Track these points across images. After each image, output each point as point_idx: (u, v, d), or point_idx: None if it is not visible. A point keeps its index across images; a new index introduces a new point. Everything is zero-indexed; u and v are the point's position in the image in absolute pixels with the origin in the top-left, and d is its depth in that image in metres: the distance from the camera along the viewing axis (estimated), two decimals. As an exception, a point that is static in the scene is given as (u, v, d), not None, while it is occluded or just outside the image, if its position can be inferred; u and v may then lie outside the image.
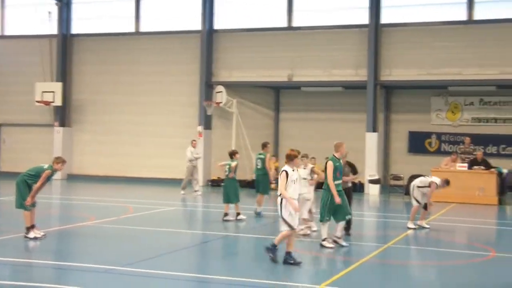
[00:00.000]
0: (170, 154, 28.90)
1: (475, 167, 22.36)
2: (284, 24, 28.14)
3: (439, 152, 27.33)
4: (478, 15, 25.65)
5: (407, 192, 24.19)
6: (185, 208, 20.84)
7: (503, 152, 26.63)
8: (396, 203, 22.91)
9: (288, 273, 10.14)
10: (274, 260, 10.54)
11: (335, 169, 12.13)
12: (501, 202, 21.93)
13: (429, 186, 15.66)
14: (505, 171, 22.69)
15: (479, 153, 23.11)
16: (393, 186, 25.90)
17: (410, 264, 11.43)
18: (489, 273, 10.69)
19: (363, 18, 26.42)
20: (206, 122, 28.53)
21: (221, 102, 27.29)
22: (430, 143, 27.96)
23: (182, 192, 23.34)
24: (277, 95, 30.31)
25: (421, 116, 28.13)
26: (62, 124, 30.57)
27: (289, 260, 10.43)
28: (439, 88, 27.26)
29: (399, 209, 21.49)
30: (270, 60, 27.73)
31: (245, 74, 28.15)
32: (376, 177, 24.10)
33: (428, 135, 27.98)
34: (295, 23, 28.01)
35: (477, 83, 25.56)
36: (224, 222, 15.93)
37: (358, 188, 25.30)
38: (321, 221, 12.20)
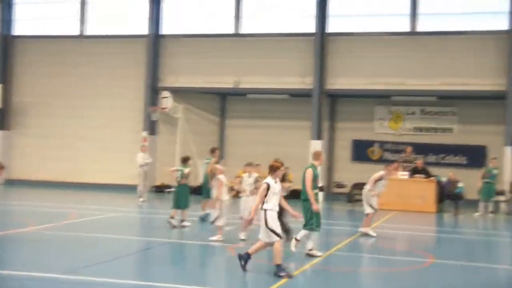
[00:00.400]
0: (114, 159, 28.59)
1: (416, 175, 22.88)
2: (232, 30, 28.23)
3: (381, 160, 27.79)
4: (421, 27, 26.30)
5: (350, 199, 24.66)
6: (129, 214, 20.59)
7: (442, 161, 27.37)
8: (339, 211, 23.22)
9: (231, 280, 10.14)
10: (290, 276, 10.18)
11: (315, 177, 12.17)
12: (439, 210, 22.49)
13: (380, 179, 15.76)
14: (444, 179, 23.27)
15: (419, 162, 23.65)
16: (336, 193, 26.26)
17: (352, 271, 11.58)
18: (427, 279, 10.92)
19: (310, 26, 26.77)
20: (151, 127, 28.34)
21: (166, 108, 27.13)
22: (373, 152, 28.47)
23: (141, 199, 23.00)
24: (224, 101, 30.36)
25: (364, 124, 28.66)
26: (1, 127, 29.83)
27: (281, 273, 10.16)
28: (383, 97, 27.81)
29: (342, 217, 21.80)
30: (217, 66, 27.76)
31: (191, 80, 28.09)
32: (320, 185, 24.31)
33: (371, 143, 28.50)
34: (242, 30, 28.14)
35: (419, 93, 26.20)
36: (168, 229, 15.80)
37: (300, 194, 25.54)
38: (313, 230, 12.16)
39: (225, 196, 13.97)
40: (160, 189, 27.21)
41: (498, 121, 25.85)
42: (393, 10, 26.75)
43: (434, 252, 13.90)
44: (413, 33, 26.37)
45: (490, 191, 21.71)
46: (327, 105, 28.20)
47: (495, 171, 22.03)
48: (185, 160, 16.81)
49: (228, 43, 28.14)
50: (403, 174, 22.90)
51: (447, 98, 27.08)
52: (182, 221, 16.31)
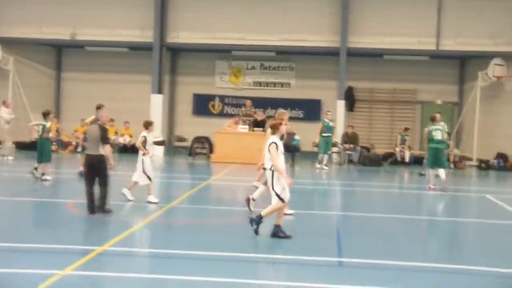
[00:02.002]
0: None
1: (256, 129, 23.42)
2: (67, -21, 26.91)
3: (222, 114, 28.26)
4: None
5: (190, 153, 24.83)
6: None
7: (281, 115, 28.18)
8: (180, 164, 23.30)
9: (72, 236, 9.86)
10: (257, 232, 9.98)
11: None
12: (278, 162, 23.24)
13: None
14: (282, 132, 24.00)
15: (259, 116, 24.18)
16: (177, 147, 26.29)
17: (193, 222, 11.70)
18: (260, 227, 11.30)
19: (150, -22, 26.10)
20: (-21, 80, 26.47)
21: (-5, 59, 25.43)
22: (213, 106, 28.76)
23: (11, 157, 21.67)
24: (59, 54, 29.04)
25: (205, 79, 28.83)
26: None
27: (279, 233, 9.96)
28: (223, 52, 28.02)
29: (183, 170, 21.88)
30: (52, 17, 26.41)
31: (24, 31, 26.46)
32: (161, 138, 24.21)
33: (212, 97, 28.78)
34: (78, -21, 26.92)
35: (258, 48, 26.64)
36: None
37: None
38: None
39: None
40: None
41: (332, 77, 27.09)
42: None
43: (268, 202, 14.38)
44: (253, -12, 26.67)
45: (328, 144, 22.77)
46: (168, 59, 27.94)
47: (331, 124, 23.09)
48: (46, 115, 16.80)
49: (64, -8, 26.75)
50: (243, 128, 23.35)
51: (285, 54, 27.86)
52: (43, 174, 16.29)
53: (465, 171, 23.93)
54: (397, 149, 25.36)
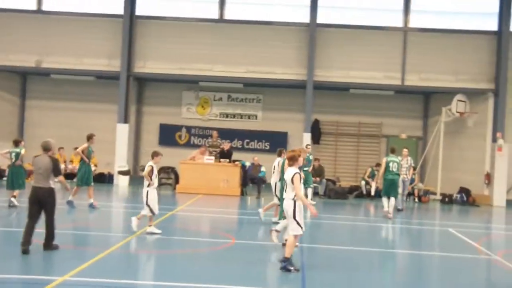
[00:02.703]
0: None
1: (222, 159, 23.38)
2: (34, 7, 26.76)
3: (188, 145, 28.20)
4: (229, 14, 26.83)
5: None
6: None
7: (247, 146, 28.34)
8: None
9: (32, 266, 9.62)
10: (298, 270, 10.03)
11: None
12: (243, 193, 23.23)
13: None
14: (247, 164, 24.06)
15: (227, 145, 24.13)
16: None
17: (155, 253, 11.54)
18: (227, 258, 11.21)
19: (118, 8, 26.06)
20: None
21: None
22: (180, 136, 28.68)
23: None
24: (24, 81, 28.75)
25: (172, 109, 28.79)
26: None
27: (290, 267, 10.04)
28: (191, 82, 28.05)
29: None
30: (18, 44, 26.15)
31: (-11, 57, 26.15)
32: (126, 168, 24.00)
33: (178, 128, 28.72)
34: (46, 7, 26.81)
35: (226, 79, 26.72)
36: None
37: (108, 179, 25.16)
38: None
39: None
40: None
41: (299, 109, 27.29)
42: (202, -4, 27.04)
43: (236, 234, 14.33)
44: (221, 20, 26.83)
45: (309, 177, 22.59)
46: (135, 88, 27.85)
47: (311, 157, 23.05)
48: (17, 142, 17.02)
49: (31, 20, 26.49)
50: (209, 158, 23.28)
51: (253, 86, 28.01)
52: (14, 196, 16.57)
53: (429, 205, 24.14)
54: (363, 182, 25.45)
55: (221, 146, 24.16)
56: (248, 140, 28.55)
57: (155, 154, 13.37)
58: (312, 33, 25.70)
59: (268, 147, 28.42)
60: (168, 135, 28.68)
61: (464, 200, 24.69)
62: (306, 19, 26.07)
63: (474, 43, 25.85)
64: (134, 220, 13.17)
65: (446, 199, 24.73)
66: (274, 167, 15.99)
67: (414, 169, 25.23)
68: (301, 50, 26.03)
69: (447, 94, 25.94)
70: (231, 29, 26.54)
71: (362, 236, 15.45)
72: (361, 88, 26.78)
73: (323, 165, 25.62)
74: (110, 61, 26.05)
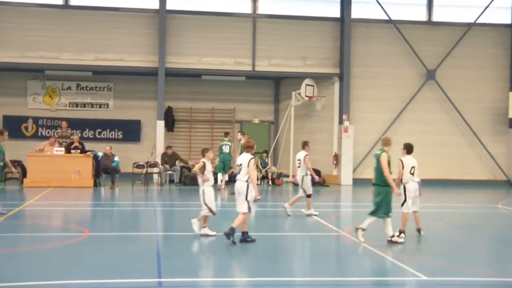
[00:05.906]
0: None
1: (72, 151, 22.58)
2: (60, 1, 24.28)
3: (36, 136, 27.02)
4: (74, 0, 25.88)
5: (1, 178, 23.28)
6: None
7: (99, 136, 27.60)
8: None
9: None
10: (234, 243, 11.22)
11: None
12: (96, 184, 22.62)
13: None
14: (100, 154, 23.41)
15: (75, 137, 23.32)
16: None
17: (9, 251, 10.88)
18: (82, 251, 10.85)
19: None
20: None
21: None
22: (26, 128, 27.37)
23: None
24: None
25: (17, 100, 27.41)
26: None
27: (247, 239, 11.56)
28: (36, 71, 26.81)
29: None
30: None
31: None
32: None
33: (24, 119, 27.41)
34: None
35: (74, 68, 25.83)
36: None
37: None
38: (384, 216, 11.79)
39: None
40: None
41: (151, 97, 26.96)
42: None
43: (89, 226, 13.91)
44: (66, 6, 25.86)
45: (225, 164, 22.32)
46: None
47: (229, 144, 22.61)
48: None
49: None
50: (58, 150, 22.40)
51: (102, 73, 27.24)
52: None
53: (282, 187, 24.83)
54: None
55: (72, 137, 23.32)
56: (100, 130, 27.77)
57: (205, 151, 12.18)
58: (162, 19, 25.48)
59: (121, 136, 27.85)
60: (13, 127, 27.01)
61: (316, 181, 25.58)
62: (155, 5, 25.76)
63: (320, 29, 26.87)
64: (206, 231, 12.21)
65: (298, 181, 25.52)
66: (299, 160, 16.04)
67: (266, 152, 25.93)
68: (152, 37, 25.72)
69: (296, 78, 26.77)
70: (77, 16, 25.67)
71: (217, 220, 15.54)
72: (213, 74, 26.97)
73: (177, 152, 25.54)
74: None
